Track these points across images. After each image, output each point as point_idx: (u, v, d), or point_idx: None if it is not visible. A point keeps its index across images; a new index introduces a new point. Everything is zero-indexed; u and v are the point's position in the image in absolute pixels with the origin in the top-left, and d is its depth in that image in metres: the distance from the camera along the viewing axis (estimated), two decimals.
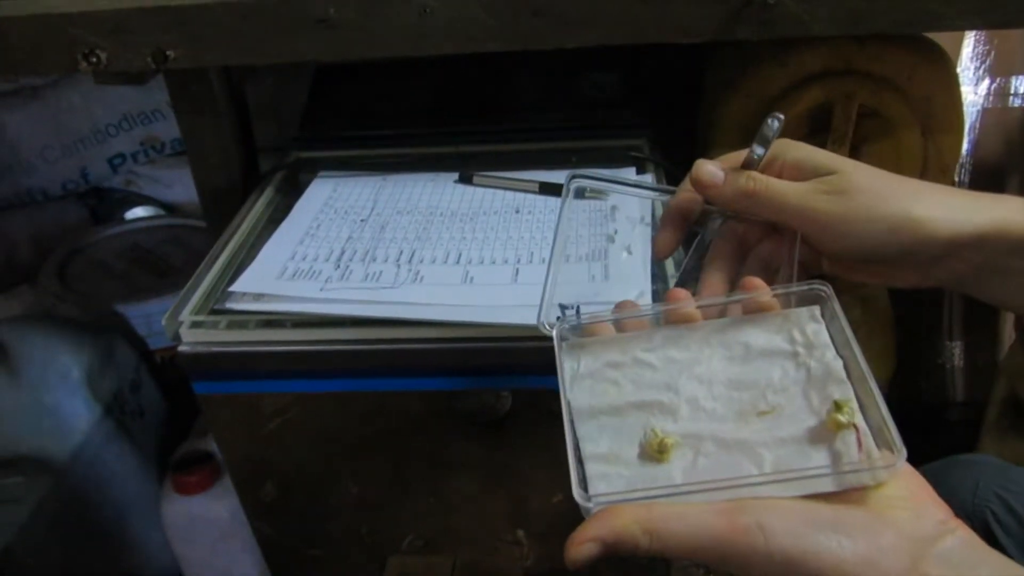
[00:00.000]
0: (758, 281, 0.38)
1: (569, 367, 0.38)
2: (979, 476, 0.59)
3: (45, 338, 0.86)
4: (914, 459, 0.31)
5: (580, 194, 0.48)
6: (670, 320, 0.38)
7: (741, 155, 0.42)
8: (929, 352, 1.15)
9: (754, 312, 0.37)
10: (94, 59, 0.61)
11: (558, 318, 0.40)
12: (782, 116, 0.40)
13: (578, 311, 0.40)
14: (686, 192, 0.44)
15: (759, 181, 0.41)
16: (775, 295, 0.37)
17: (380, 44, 0.61)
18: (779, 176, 0.42)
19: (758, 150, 0.41)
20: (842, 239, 0.40)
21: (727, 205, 0.42)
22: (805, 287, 0.37)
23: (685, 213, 0.45)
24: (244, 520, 0.67)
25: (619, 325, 0.39)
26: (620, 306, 0.40)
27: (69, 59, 0.62)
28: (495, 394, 0.57)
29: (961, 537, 0.30)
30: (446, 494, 0.63)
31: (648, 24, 0.60)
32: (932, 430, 1.13)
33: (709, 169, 0.42)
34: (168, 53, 0.61)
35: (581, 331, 0.39)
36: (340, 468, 0.62)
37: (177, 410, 0.98)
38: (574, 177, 0.46)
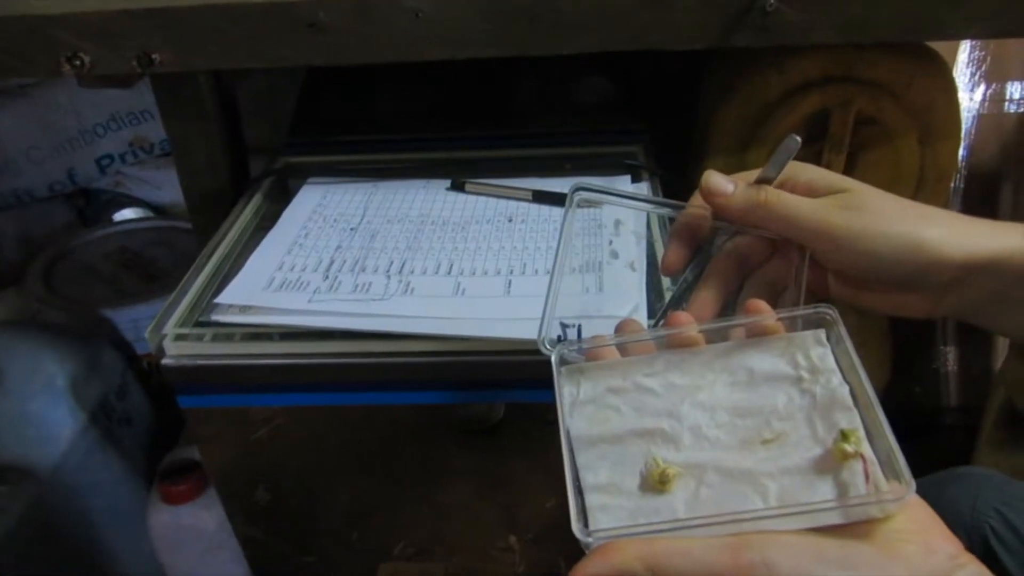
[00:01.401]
0: (763, 304, 0.37)
1: (568, 393, 0.37)
2: (978, 490, 0.58)
3: (29, 345, 0.85)
4: (908, 465, 0.31)
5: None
6: (672, 344, 0.37)
7: (752, 174, 0.42)
8: (923, 357, 1.15)
9: (758, 336, 0.36)
10: (78, 62, 0.60)
11: (559, 337, 0.39)
12: (799, 139, 0.39)
13: (579, 332, 0.38)
14: (695, 207, 0.43)
15: (772, 193, 0.40)
16: (779, 319, 0.36)
17: (371, 49, 0.60)
18: None
19: (775, 167, 0.40)
20: (855, 256, 0.39)
21: (737, 217, 0.41)
22: (811, 310, 0.36)
23: (693, 229, 0.44)
24: (233, 530, 0.66)
25: (621, 348, 0.38)
26: (621, 327, 0.39)
27: (52, 62, 0.60)
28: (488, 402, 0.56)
29: (973, 572, 0.29)
30: (438, 501, 0.63)
31: (646, 30, 0.59)
32: (926, 435, 1.13)
33: (719, 179, 0.41)
34: (153, 56, 0.60)
35: (582, 353, 0.38)
36: (330, 476, 0.62)
37: (165, 417, 0.97)
38: (578, 189, 0.44)
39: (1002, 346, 1.11)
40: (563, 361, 0.38)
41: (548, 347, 0.39)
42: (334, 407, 0.56)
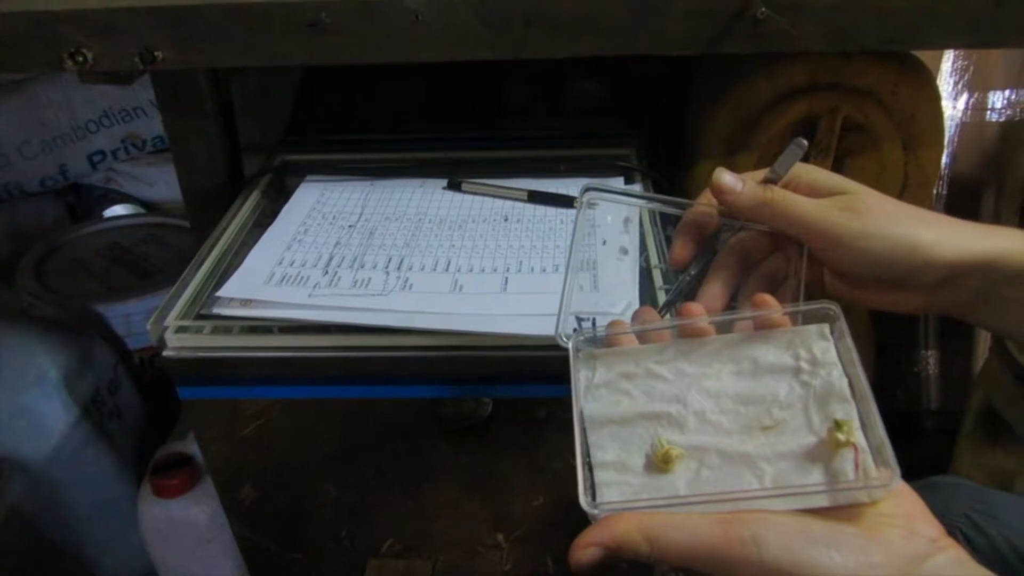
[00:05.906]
0: (770, 298, 0.38)
1: (584, 376, 0.39)
2: (950, 497, 0.60)
3: (21, 338, 0.85)
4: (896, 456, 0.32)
5: (571, 203, 0.48)
6: (683, 334, 0.39)
7: (759, 174, 0.44)
8: (905, 360, 1.17)
9: (764, 328, 0.38)
10: (80, 58, 0.60)
11: (575, 330, 0.41)
12: (806, 142, 0.41)
13: (594, 323, 0.40)
14: (702, 205, 0.45)
15: (778, 192, 0.42)
16: (785, 312, 0.38)
17: (371, 50, 0.61)
18: None
19: (781, 168, 0.42)
20: (853, 255, 0.40)
21: (743, 213, 0.43)
22: (815, 305, 0.38)
23: (700, 225, 0.45)
24: (223, 524, 0.66)
25: (635, 336, 0.40)
26: (638, 315, 0.41)
27: (55, 57, 0.61)
28: (476, 399, 0.57)
29: (952, 555, 0.30)
30: (426, 498, 0.63)
31: (639, 36, 0.60)
32: (906, 438, 1.15)
33: (729, 177, 0.43)
34: (156, 54, 0.60)
35: (598, 343, 0.40)
36: (321, 472, 0.62)
37: (156, 412, 0.97)
38: (588, 189, 0.46)
39: (982, 350, 1.13)
40: (578, 348, 0.40)
41: (565, 339, 0.40)
42: (326, 405, 0.57)
